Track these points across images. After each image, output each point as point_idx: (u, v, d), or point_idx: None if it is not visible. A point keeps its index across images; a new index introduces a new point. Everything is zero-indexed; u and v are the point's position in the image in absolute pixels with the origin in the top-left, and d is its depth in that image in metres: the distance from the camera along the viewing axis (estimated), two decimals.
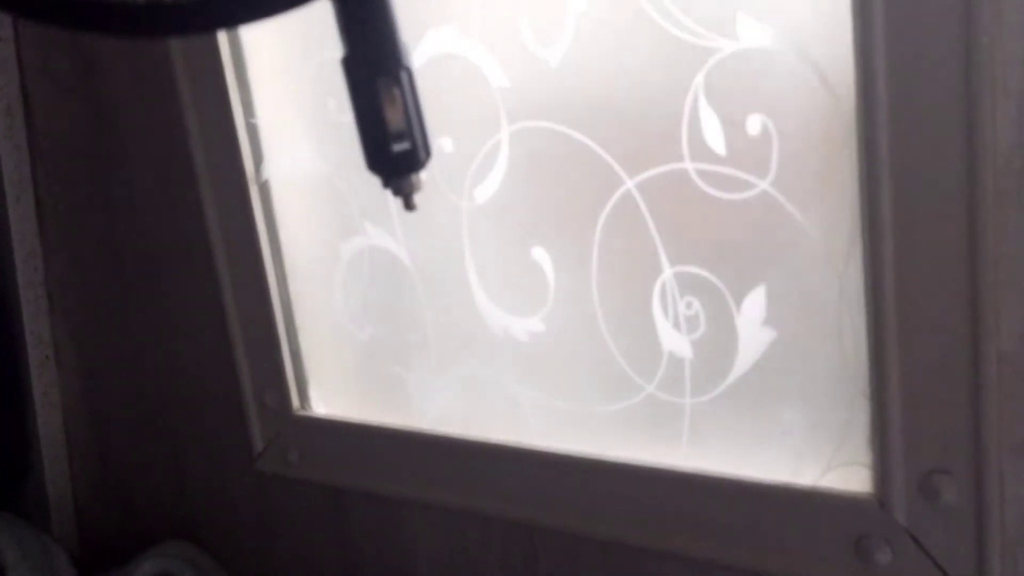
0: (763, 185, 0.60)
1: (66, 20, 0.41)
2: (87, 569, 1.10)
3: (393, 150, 0.51)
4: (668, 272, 0.66)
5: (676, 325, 0.66)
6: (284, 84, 0.82)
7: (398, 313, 0.81)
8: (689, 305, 0.65)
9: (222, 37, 0.81)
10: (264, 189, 0.85)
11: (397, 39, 0.50)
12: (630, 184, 0.65)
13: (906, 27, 0.52)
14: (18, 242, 1.06)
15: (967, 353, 0.54)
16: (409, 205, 0.54)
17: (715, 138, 0.61)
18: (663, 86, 0.62)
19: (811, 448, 0.63)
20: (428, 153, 0.52)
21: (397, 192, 0.53)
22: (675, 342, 0.67)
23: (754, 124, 0.59)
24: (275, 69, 0.82)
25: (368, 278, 0.82)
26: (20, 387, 1.11)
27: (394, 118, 0.51)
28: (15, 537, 1.02)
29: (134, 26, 0.42)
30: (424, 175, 0.52)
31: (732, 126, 0.60)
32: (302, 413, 0.89)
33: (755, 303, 0.62)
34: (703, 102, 0.61)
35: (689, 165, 0.62)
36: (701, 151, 0.62)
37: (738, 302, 0.63)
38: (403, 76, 0.51)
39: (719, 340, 0.65)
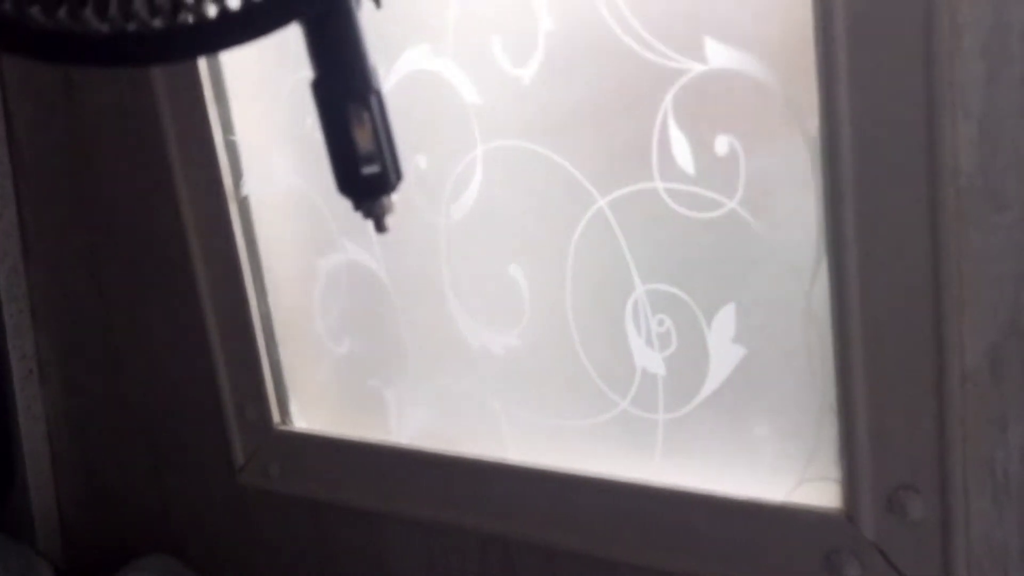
0: (731, 204, 0.61)
1: (42, 52, 0.42)
2: None
3: (363, 173, 0.52)
4: (640, 290, 0.66)
5: (649, 342, 0.67)
6: (262, 102, 0.83)
7: (376, 328, 0.82)
8: (661, 322, 0.66)
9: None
10: (244, 205, 0.85)
11: (366, 63, 0.51)
12: (602, 203, 0.66)
13: (868, 50, 0.52)
14: (0, 257, 1.06)
15: (931, 371, 0.55)
16: (380, 227, 0.54)
17: (684, 158, 0.62)
18: (633, 106, 0.63)
19: (782, 463, 0.64)
20: (399, 176, 0.53)
21: (368, 215, 0.54)
22: (648, 358, 0.67)
23: (722, 144, 0.60)
24: (253, 87, 0.83)
25: (346, 293, 0.83)
26: (4, 401, 1.11)
27: (363, 141, 0.51)
28: None
29: (110, 56, 0.43)
30: (396, 197, 0.52)
31: (700, 146, 0.61)
32: (283, 427, 0.90)
33: (725, 320, 0.63)
34: (672, 122, 0.61)
35: (659, 184, 0.63)
36: (671, 170, 0.62)
37: (708, 319, 0.64)
38: (372, 99, 0.51)
39: (691, 357, 0.65)
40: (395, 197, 0.52)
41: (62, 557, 1.16)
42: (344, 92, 0.51)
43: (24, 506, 1.13)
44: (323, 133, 0.51)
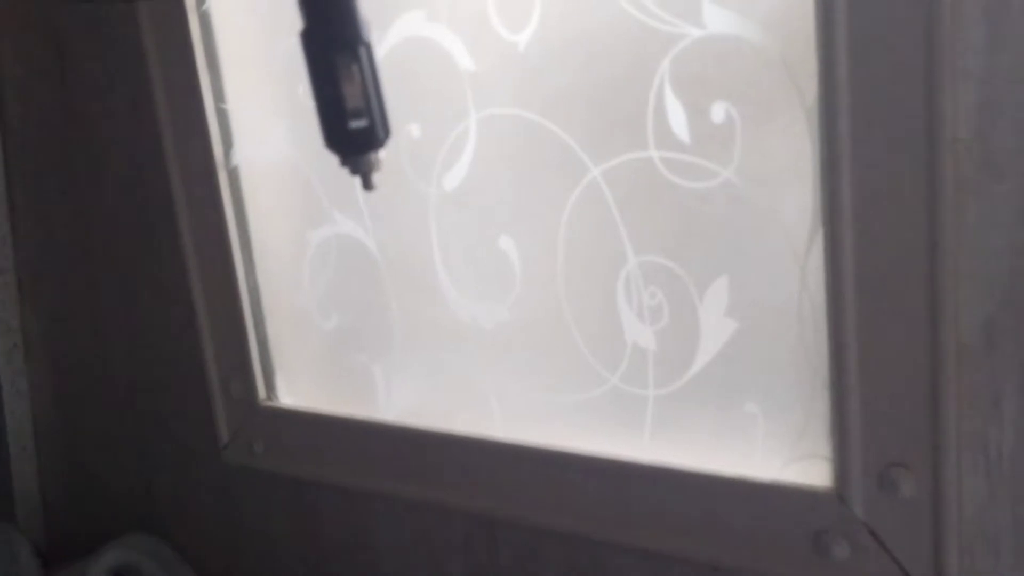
0: (726, 174, 0.59)
1: None
2: (52, 560, 1.09)
3: (350, 127, 0.51)
4: (633, 261, 0.65)
5: (640, 315, 0.66)
6: (255, 70, 0.82)
7: (364, 302, 0.80)
8: (653, 295, 0.65)
9: (193, 22, 0.81)
10: (233, 175, 0.84)
11: (356, 14, 0.50)
12: (596, 172, 0.65)
13: (867, 14, 0.51)
14: None
15: (926, 345, 0.54)
16: (368, 184, 0.53)
17: (680, 126, 0.60)
18: (629, 72, 0.62)
19: (772, 440, 0.63)
20: (387, 131, 0.52)
21: (355, 171, 0.53)
22: (639, 332, 0.66)
23: (718, 112, 0.59)
24: (246, 55, 0.82)
25: (335, 266, 0.82)
26: None
27: (352, 94, 0.51)
28: None
29: None
30: (384, 154, 0.51)
31: (696, 113, 0.60)
32: (268, 404, 0.88)
33: (717, 293, 0.62)
34: (668, 89, 0.60)
35: (654, 153, 0.62)
36: (666, 139, 0.61)
37: (701, 292, 0.63)
38: (362, 52, 0.50)
39: (682, 331, 0.64)
40: (383, 157, 0.51)
41: (43, 535, 1.15)
42: (333, 43, 0.50)
43: (5, 483, 1.12)
44: (311, 85, 0.50)
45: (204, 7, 0.81)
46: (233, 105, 0.83)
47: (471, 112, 0.69)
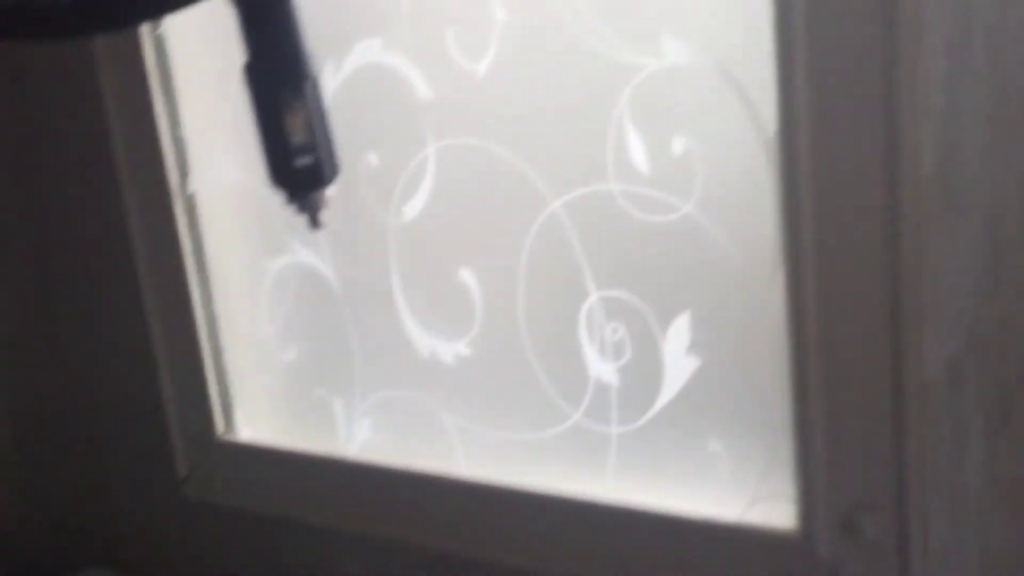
0: (686, 207, 0.58)
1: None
2: None
3: (296, 165, 0.49)
4: (594, 296, 0.64)
5: (602, 351, 0.64)
6: (211, 95, 0.80)
7: (323, 334, 0.79)
8: (615, 331, 0.63)
9: (147, 47, 0.79)
10: (190, 203, 0.82)
11: (301, 47, 0.49)
12: (556, 204, 0.64)
13: (827, 48, 0.50)
14: None
15: (890, 385, 0.53)
16: (315, 223, 0.52)
17: (639, 158, 0.59)
18: (589, 103, 0.60)
19: (736, 481, 0.61)
20: (335, 169, 0.50)
21: (302, 209, 0.51)
22: (601, 368, 0.65)
23: (678, 144, 0.58)
24: (202, 80, 0.80)
25: (294, 297, 0.80)
26: None
27: (296, 131, 0.49)
28: None
29: (49, 27, 0.41)
30: (331, 192, 0.50)
31: (656, 146, 0.58)
32: (227, 438, 0.86)
33: (680, 329, 0.61)
34: (628, 121, 0.59)
35: (614, 186, 0.61)
36: (626, 171, 0.60)
37: (663, 328, 0.61)
38: (307, 87, 0.49)
39: (645, 367, 0.63)
40: (331, 195, 0.50)
41: (0, 568, 1.12)
42: (277, 78, 0.49)
43: None
44: (254, 121, 0.49)
45: (158, 31, 0.79)
46: (190, 131, 0.81)
47: (429, 141, 0.68)
